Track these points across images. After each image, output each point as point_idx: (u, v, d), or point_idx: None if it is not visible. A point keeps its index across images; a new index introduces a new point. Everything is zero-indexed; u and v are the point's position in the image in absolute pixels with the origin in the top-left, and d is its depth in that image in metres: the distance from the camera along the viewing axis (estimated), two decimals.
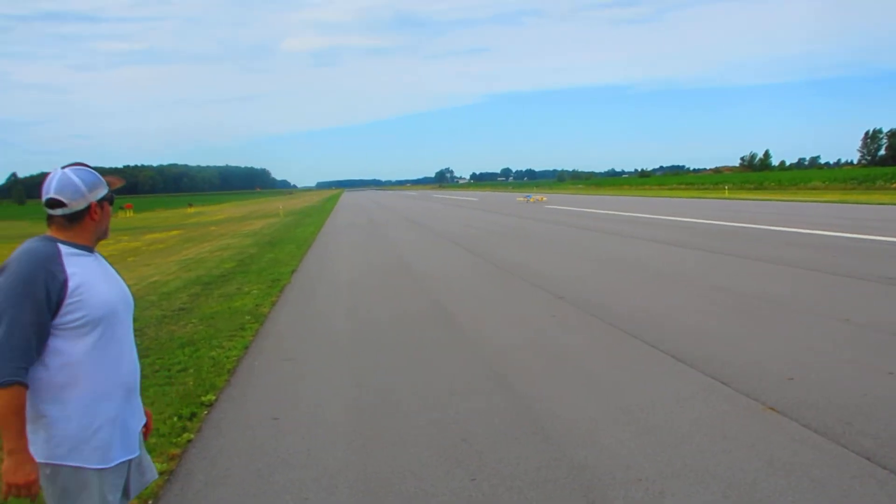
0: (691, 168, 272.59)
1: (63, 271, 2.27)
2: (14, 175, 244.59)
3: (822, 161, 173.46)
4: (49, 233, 2.38)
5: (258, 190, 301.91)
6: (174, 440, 4.74)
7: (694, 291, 9.84)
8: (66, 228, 2.37)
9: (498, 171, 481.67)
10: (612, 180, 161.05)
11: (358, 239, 22.27)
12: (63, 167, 2.39)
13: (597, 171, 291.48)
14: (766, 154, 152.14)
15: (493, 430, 4.72)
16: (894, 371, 5.64)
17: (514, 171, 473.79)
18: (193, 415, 5.25)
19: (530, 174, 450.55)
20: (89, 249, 2.43)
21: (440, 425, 4.86)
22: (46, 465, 2.29)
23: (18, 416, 2.21)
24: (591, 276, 11.98)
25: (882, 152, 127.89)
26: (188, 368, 6.57)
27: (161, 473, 3.96)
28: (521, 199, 57.48)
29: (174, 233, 35.28)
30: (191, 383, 6.06)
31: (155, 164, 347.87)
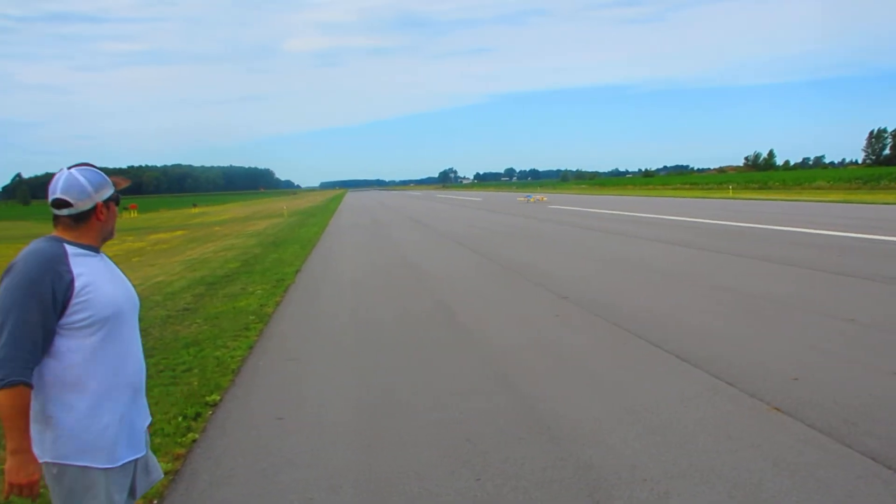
0: (695, 168, 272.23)
1: (69, 271, 2.28)
2: (19, 175, 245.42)
3: (827, 161, 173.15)
4: (55, 233, 2.39)
5: (262, 190, 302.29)
6: (179, 440, 4.74)
7: (698, 291, 9.83)
8: (72, 229, 2.38)
9: (502, 171, 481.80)
10: (615, 180, 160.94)
11: (362, 239, 22.28)
12: (69, 167, 2.40)
13: (601, 170, 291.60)
14: (771, 154, 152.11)
15: (498, 430, 4.72)
16: None
17: (517, 171, 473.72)
18: (198, 415, 5.25)
19: (534, 174, 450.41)
20: (95, 250, 2.44)
21: (444, 425, 4.86)
22: (53, 464, 2.30)
23: (22, 416, 2.21)
24: (595, 275, 11.97)
25: (887, 152, 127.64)
26: (193, 368, 6.59)
27: (166, 473, 3.97)
28: (522, 199, 57.66)
29: (178, 233, 35.35)
30: (195, 383, 6.08)
31: (159, 165, 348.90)
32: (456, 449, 4.43)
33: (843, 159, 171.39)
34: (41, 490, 2.34)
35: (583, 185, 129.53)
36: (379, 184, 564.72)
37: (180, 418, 5.14)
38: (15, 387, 2.18)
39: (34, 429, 2.28)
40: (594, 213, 32.70)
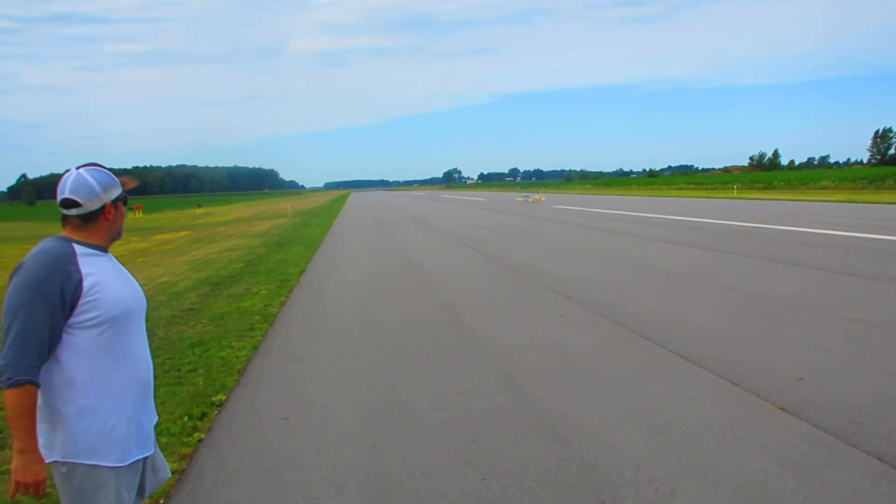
0: (700, 168, 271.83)
1: (78, 271, 2.29)
2: (24, 176, 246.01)
3: (832, 160, 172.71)
4: (64, 233, 2.40)
5: (266, 190, 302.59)
6: (185, 440, 4.76)
7: (703, 291, 9.82)
8: (80, 228, 2.39)
9: (506, 171, 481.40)
10: (620, 180, 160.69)
11: (366, 239, 22.30)
12: (78, 167, 2.41)
13: (605, 170, 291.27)
14: (776, 153, 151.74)
15: (503, 429, 4.73)
16: None
17: (521, 171, 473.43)
18: (204, 414, 5.27)
19: (538, 174, 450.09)
20: (103, 249, 2.45)
21: (449, 425, 4.86)
22: (62, 463, 2.31)
23: (29, 416, 2.23)
24: (599, 275, 11.96)
25: (892, 151, 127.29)
26: (198, 368, 6.61)
27: (172, 473, 3.98)
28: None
29: (183, 233, 35.42)
30: (201, 383, 6.10)
31: (164, 165, 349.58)
32: (461, 449, 4.43)
33: (848, 159, 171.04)
34: (48, 490, 2.35)
35: (587, 185, 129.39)
36: (383, 184, 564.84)
37: (186, 418, 5.16)
38: (22, 386, 2.19)
39: (43, 428, 2.30)
40: (598, 213, 32.68)
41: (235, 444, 4.70)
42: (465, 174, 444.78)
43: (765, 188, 64.70)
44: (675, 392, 5.35)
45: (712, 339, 6.93)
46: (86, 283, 2.29)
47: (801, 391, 5.24)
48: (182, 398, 5.67)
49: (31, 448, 2.24)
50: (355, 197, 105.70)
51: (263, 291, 11.40)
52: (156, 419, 2.63)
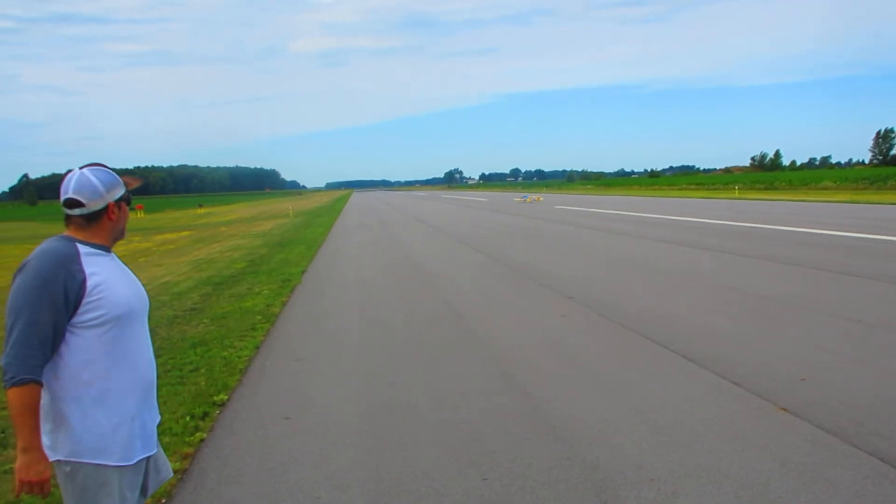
0: (701, 168, 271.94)
1: (82, 271, 2.30)
2: (26, 176, 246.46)
3: (834, 161, 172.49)
4: (67, 233, 2.40)
5: (268, 191, 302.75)
6: (187, 439, 4.77)
7: (704, 291, 9.81)
8: (84, 228, 2.39)
9: (507, 171, 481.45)
10: (621, 180, 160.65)
11: (368, 239, 22.30)
12: (81, 167, 2.42)
13: (606, 171, 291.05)
14: (777, 154, 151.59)
15: (505, 429, 4.73)
16: None
17: (523, 171, 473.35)
18: (206, 414, 5.28)
19: (539, 174, 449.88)
20: (107, 249, 2.46)
21: (451, 425, 4.87)
22: (66, 462, 2.31)
23: (33, 414, 2.23)
24: (601, 276, 11.96)
25: (894, 152, 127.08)
26: (200, 368, 6.61)
27: (174, 472, 3.99)
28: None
29: (185, 233, 35.44)
30: (203, 383, 6.10)
31: (165, 165, 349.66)
32: (463, 448, 4.44)
33: (850, 159, 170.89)
34: (52, 488, 2.36)
35: (588, 186, 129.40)
36: (384, 184, 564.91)
37: (188, 417, 5.16)
38: (25, 385, 2.20)
39: (46, 427, 2.30)
40: (598, 213, 32.67)
41: (237, 444, 4.71)
42: (466, 174, 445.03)
43: (766, 189, 64.65)
44: (676, 392, 5.35)
45: (714, 340, 6.93)
46: (89, 283, 2.30)
47: (802, 391, 5.24)
48: (184, 398, 5.68)
49: (34, 447, 2.24)
50: (357, 197, 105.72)
51: (265, 291, 11.41)
52: (158, 419, 2.64)
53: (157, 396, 2.66)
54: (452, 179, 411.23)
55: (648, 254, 14.79)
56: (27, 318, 2.21)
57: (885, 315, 7.71)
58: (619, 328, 7.62)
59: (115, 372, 2.36)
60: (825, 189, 56.18)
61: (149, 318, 2.63)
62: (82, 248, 2.35)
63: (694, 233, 19.32)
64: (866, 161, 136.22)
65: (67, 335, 2.29)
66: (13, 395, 2.20)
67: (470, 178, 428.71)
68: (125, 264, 2.60)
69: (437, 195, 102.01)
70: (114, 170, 2.49)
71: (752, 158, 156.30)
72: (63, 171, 2.44)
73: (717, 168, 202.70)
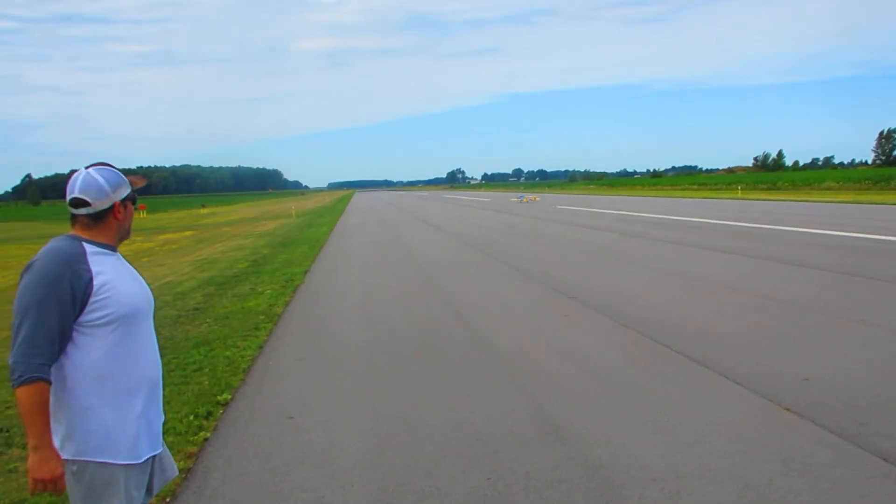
0: (704, 168, 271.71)
1: (88, 270, 2.30)
2: (29, 176, 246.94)
3: (836, 161, 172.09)
4: (73, 232, 2.41)
5: (270, 191, 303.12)
6: (191, 438, 4.77)
7: (706, 291, 9.81)
8: (90, 228, 2.40)
9: (510, 171, 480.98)
10: (623, 180, 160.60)
11: (370, 240, 22.31)
12: (87, 167, 2.43)
13: (608, 171, 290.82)
14: (780, 154, 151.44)
15: (508, 429, 4.73)
16: None
17: (525, 171, 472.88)
18: (209, 413, 5.29)
19: (542, 174, 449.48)
20: (113, 249, 2.46)
21: (455, 424, 4.87)
22: (73, 461, 2.32)
23: (42, 413, 2.24)
24: (603, 276, 11.95)
25: None
26: (203, 368, 6.63)
27: (178, 471, 3.99)
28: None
29: (187, 233, 35.48)
30: (206, 382, 6.11)
31: (168, 165, 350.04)
32: (466, 448, 4.44)
33: (853, 160, 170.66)
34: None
35: (590, 186, 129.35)
36: (387, 184, 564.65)
37: (192, 417, 5.18)
38: (34, 383, 2.20)
39: (53, 426, 2.30)
40: (599, 213, 32.65)
41: (241, 444, 4.72)
42: (468, 174, 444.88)
43: (769, 189, 64.61)
44: (680, 392, 5.35)
45: (717, 340, 6.93)
46: (96, 282, 2.30)
47: (806, 392, 5.23)
48: (188, 397, 5.69)
49: (46, 444, 2.25)
50: (359, 197, 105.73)
51: (268, 291, 11.42)
52: (163, 417, 2.65)
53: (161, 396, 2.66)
54: (455, 179, 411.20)
55: (650, 253, 14.78)
56: (34, 317, 2.22)
57: (888, 315, 7.70)
58: (623, 328, 7.62)
59: (122, 371, 2.37)
60: (828, 189, 56.11)
61: (153, 318, 2.64)
62: (89, 248, 2.36)
63: (696, 233, 19.30)
64: (869, 161, 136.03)
65: (74, 334, 2.30)
66: (22, 393, 2.20)
67: (472, 179, 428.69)
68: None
69: (440, 195, 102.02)
70: (119, 169, 2.50)
71: (755, 159, 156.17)
72: (66, 172, 2.45)
73: (720, 168, 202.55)
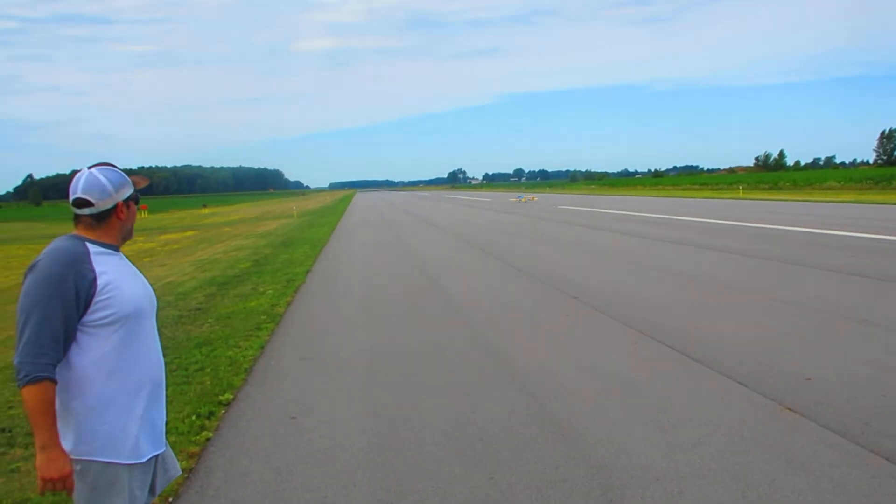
0: (705, 168, 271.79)
1: (92, 270, 2.31)
2: (30, 177, 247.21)
3: (838, 161, 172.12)
4: (76, 232, 2.42)
5: (271, 191, 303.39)
6: (193, 438, 4.78)
7: (708, 291, 9.80)
8: (93, 228, 2.40)
9: (511, 171, 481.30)
10: (625, 180, 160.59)
11: (371, 240, 22.32)
12: (90, 167, 2.43)
13: (610, 171, 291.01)
14: (781, 154, 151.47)
15: (510, 429, 4.73)
16: None
17: (526, 171, 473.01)
18: (211, 413, 5.29)
19: (543, 174, 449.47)
20: (116, 248, 2.47)
21: (456, 424, 4.87)
22: (77, 461, 2.32)
23: (48, 412, 2.24)
24: (603, 275, 11.94)
25: None
26: (205, 368, 6.63)
27: (181, 471, 4.00)
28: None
29: (189, 233, 35.50)
30: (208, 382, 6.11)
31: (169, 166, 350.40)
32: (469, 448, 4.44)
33: (855, 159, 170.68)
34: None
35: (592, 186, 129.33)
36: (388, 184, 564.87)
37: (194, 417, 5.18)
38: (40, 382, 2.21)
39: (58, 425, 2.31)
40: (600, 213, 32.64)
41: (243, 443, 4.72)
42: (469, 174, 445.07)
43: (770, 189, 64.59)
44: (682, 392, 5.35)
45: (719, 340, 6.92)
46: (99, 282, 2.31)
47: (808, 391, 5.23)
48: (190, 397, 5.69)
49: (54, 443, 2.25)
50: (360, 197, 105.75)
51: (270, 291, 11.42)
52: (165, 417, 2.65)
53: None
54: (456, 179, 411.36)
55: (651, 253, 14.78)
56: (39, 316, 2.22)
57: (890, 315, 7.69)
58: (625, 328, 7.62)
59: (125, 370, 2.37)
60: (829, 189, 56.09)
61: (155, 318, 2.64)
62: (92, 248, 2.36)
63: (697, 232, 19.29)
64: (871, 161, 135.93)
65: (77, 334, 2.30)
66: (28, 393, 2.21)
67: (473, 179, 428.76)
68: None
69: (441, 195, 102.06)
70: (121, 170, 2.50)
71: (757, 158, 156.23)
72: (67, 172, 2.45)
73: (721, 168, 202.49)
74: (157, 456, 2.52)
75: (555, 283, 10.97)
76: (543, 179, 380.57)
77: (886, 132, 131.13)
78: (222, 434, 4.92)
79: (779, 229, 19.20)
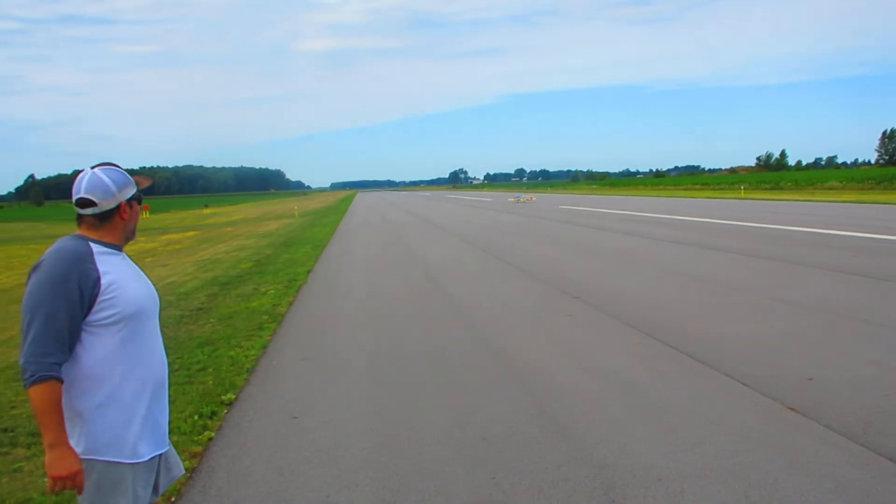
0: (707, 168, 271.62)
1: (95, 269, 2.31)
2: (32, 177, 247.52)
3: (839, 161, 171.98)
4: (79, 232, 2.42)
5: (272, 191, 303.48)
6: (195, 438, 4.78)
7: (710, 291, 9.80)
8: (96, 227, 2.41)
9: (512, 171, 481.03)
10: (626, 180, 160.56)
11: (373, 240, 22.33)
12: (93, 167, 2.43)
13: (611, 171, 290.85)
14: (783, 154, 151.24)
15: (512, 428, 4.73)
16: None
17: (528, 171, 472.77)
18: (214, 413, 5.29)
19: (544, 174, 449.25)
20: (119, 248, 2.47)
21: (460, 424, 4.87)
22: (81, 460, 2.31)
23: (56, 411, 2.24)
24: (605, 275, 11.94)
25: None
26: (207, 368, 6.63)
27: (184, 470, 4.00)
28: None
29: (190, 233, 35.53)
30: (210, 382, 6.12)
31: (170, 166, 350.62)
32: (471, 447, 4.44)
33: (856, 159, 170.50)
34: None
35: (593, 186, 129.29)
36: (389, 184, 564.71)
37: (196, 417, 5.18)
38: (46, 382, 2.21)
39: None
40: (600, 212, 32.63)
41: (246, 443, 4.72)
42: (471, 174, 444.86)
43: (772, 188, 64.53)
44: (685, 392, 5.35)
45: (721, 340, 6.92)
46: (103, 282, 2.31)
47: (811, 391, 5.23)
48: (192, 397, 5.69)
49: (61, 441, 2.25)
50: (361, 197, 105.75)
51: (271, 291, 11.43)
52: (168, 417, 2.65)
53: None
54: (457, 179, 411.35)
55: (652, 253, 14.77)
56: (43, 316, 2.22)
57: (893, 315, 7.69)
58: (627, 328, 7.62)
59: (128, 370, 2.38)
60: (831, 189, 56.04)
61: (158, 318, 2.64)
62: (95, 247, 2.36)
63: (698, 232, 19.29)
64: (872, 161, 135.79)
65: (81, 334, 2.31)
66: (35, 392, 2.21)
67: (475, 179, 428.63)
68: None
69: (442, 195, 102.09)
70: (124, 170, 2.50)
71: (758, 158, 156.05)
72: (69, 172, 2.45)
73: (723, 168, 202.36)
74: (160, 455, 2.52)
75: (556, 283, 10.97)
76: (545, 179, 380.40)
77: (888, 132, 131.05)
78: (225, 434, 4.92)
79: (781, 229, 19.19)
